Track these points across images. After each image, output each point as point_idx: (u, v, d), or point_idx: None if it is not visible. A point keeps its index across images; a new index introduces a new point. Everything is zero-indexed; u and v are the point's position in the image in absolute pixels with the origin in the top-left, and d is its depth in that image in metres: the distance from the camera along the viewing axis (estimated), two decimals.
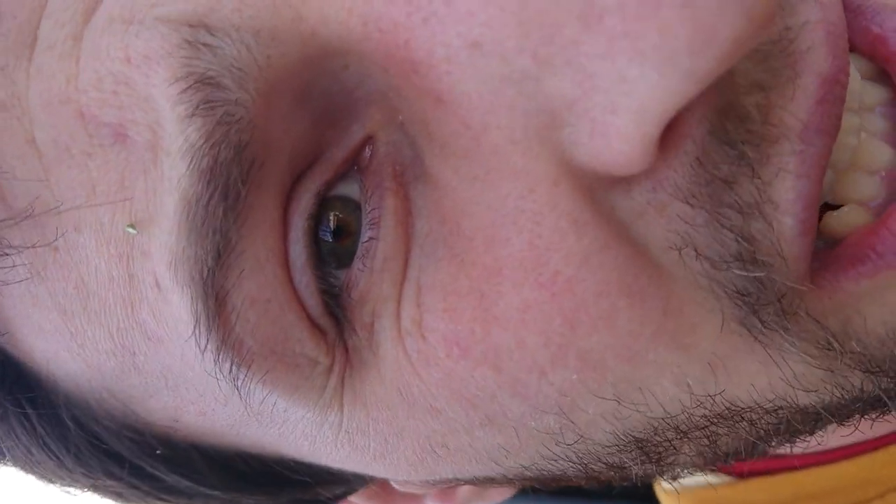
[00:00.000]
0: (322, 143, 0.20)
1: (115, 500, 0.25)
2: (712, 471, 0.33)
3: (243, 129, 0.17)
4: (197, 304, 0.18)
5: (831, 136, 0.18)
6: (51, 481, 0.25)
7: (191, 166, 0.17)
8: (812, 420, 0.22)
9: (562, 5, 0.15)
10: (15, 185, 0.19)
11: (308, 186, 0.19)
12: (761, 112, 0.17)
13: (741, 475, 0.32)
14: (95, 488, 0.24)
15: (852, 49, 0.20)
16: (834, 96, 0.18)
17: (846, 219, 0.20)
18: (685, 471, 0.26)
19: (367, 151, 0.20)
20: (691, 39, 0.14)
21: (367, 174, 0.20)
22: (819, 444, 0.26)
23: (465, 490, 0.29)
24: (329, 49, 0.18)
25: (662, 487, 0.38)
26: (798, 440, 0.23)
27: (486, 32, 0.16)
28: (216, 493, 0.24)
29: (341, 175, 0.20)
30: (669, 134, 0.16)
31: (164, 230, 0.18)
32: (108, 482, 0.24)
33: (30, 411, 0.23)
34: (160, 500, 0.24)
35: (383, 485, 0.29)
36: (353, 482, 0.28)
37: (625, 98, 0.15)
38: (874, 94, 0.20)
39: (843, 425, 0.23)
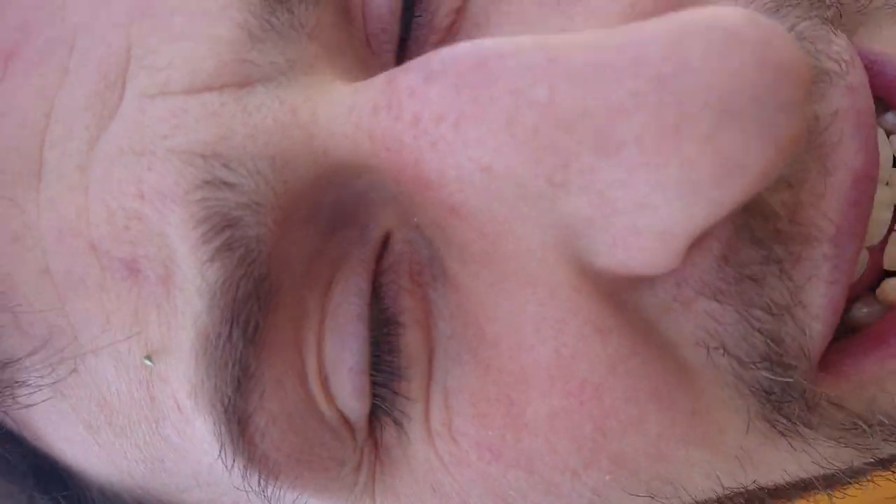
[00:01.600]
0: (336, 248, 0.19)
1: None
2: None
3: (262, 262, 0.17)
4: (220, 428, 0.18)
5: (862, 239, 0.17)
6: None
7: (210, 304, 0.17)
8: (837, 482, 0.22)
9: (575, 136, 0.14)
10: (32, 317, 0.19)
11: (330, 293, 0.19)
12: (789, 210, 0.17)
13: None
14: None
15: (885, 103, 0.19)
16: (867, 195, 0.17)
17: (870, 313, 0.20)
18: None
19: (383, 249, 0.19)
20: (716, 172, 0.14)
21: (385, 278, 0.19)
22: None
23: None
24: (341, 165, 0.17)
25: None
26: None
27: (498, 158, 0.15)
28: None
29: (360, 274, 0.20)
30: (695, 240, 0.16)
31: (181, 361, 0.18)
32: None
33: None
34: None
35: None
36: None
37: (647, 220, 0.15)
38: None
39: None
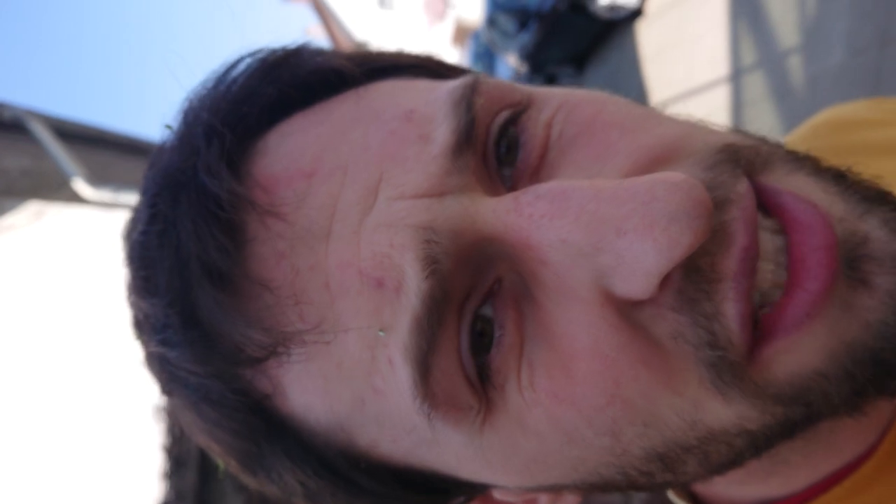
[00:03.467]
0: (476, 280, 0.32)
1: (325, 502, 0.37)
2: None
3: (445, 281, 0.30)
4: (415, 372, 0.31)
5: (750, 278, 0.30)
6: (288, 496, 0.37)
7: (421, 302, 0.30)
8: (762, 442, 0.33)
9: (607, 226, 0.28)
10: (311, 309, 0.31)
11: (469, 307, 0.32)
12: (709, 266, 0.30)
13: None
14: (312, 493, 0.37)
15: (769, 213, 0.31)
16: (750, 256, 0.30)
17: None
18: (694, 480, 0.36)
19: (497, 286, 0.32)
20: (668, 245, 0.27)
21: (497, 298, 0.32)
22: (796, 487, 0.38)
23: (543, 499, 0.40)
24: (486, 237, 0.31)
25: None
26: (760, 457, 0.34)
27: (569, 236, 0.29)
28: (391, 491, 0.36)
29: (484, 301, 0.32)
30: (663, 280, 0.29)
31: (400, 332, 0.30)
32: (324, 487, 0.36)
33: (286, 449, 0.35)
34: (354, 496, 0.37)
35: (488, 496, 0.41)
36: (473, 491, 0.40)
37: (640, 266, 0.28)
38: (778, 242, 0.31)
39: (783, 445, 0.33)
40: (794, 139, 0.63)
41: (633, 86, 6.18)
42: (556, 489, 0.37)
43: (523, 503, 0.40)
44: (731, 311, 0.29)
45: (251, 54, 0.37)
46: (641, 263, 0.28)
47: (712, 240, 0.29)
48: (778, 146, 0.35)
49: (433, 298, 0.30)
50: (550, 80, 9.07)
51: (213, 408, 0.34)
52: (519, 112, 0.34)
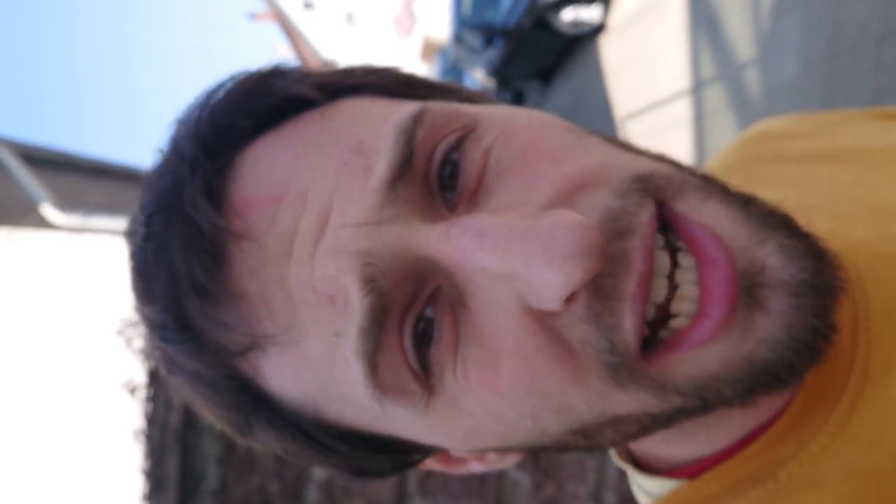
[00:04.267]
0: (416, 290, 0.37)
1: (303, 459, 0.44)
2: (674, 477, 0.47)
3: (384, 297, 0.35)
4: (366, 369, 0.36)
5: (642, 300, 0.34)
6: (272, 451, 0.44)
7: (364, 314, 0.35)
8: (665, 420, 0.38)
9: (516, 258, 0.33)
10: (280, 317, 0.36)
11: (412, 312, 0.37)
12: (612, 287, 0.34)
13: (693, 475, 0.45)
14: (292, 453, 0.43)
15: (674, 233, 0.36)
16: (644, 281, 0.34)
17: (678, 323, 0.36)
18: (613, 444, 0.42)
19: (437, 292, 0.37)
20: (566, 278, 0.32)
21: (437, 303, 0.37)
22: (721, 445, 0.43)
23: (491, 455, 0.46)
24: (421, 258, 0.36)
25: None
26: (669, 427, 0.39)
27: (489, 264, 0.34)
28: (359, 452, 0.43)
29: (424, 307, 0.37)
30: (571, 296, 0.33)
31: (350, 337, 0.35)
32: (302, 449, 0.42)
33: (268, 420, 0.41)
34: (328, 456, 0.43)
35: (445, 452, 0.47)
36: (429, 450, 0.46)
37: (546, 291, 0.33)
38: (689, 261, 0.36)
39: (686, 421, 0.38)
40: (728, 149, 0.68)
41: (598, 99, 6.31)
42: (497, 450, 0.44)
43: (475, 459, 0.47)
44: (628, 325, 0.34)
45: (228, 81, 0.41)
46: (546, 289, 0.33)
47: (615, 263, 0.34)
48: (693, 173, 0.39)
49: (374, 311, 0.35)
50: (518, 94, 9.19)
51: (206, 388, 0.40)
52: (462, 137, 0.38)
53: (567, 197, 0.36)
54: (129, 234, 0.42)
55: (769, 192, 0.48)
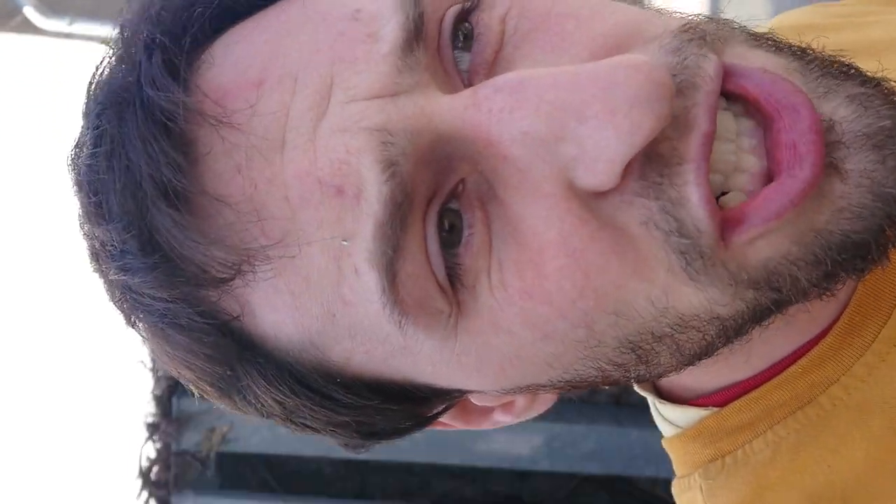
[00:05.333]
0: (438, 182, 0.32)
1: (304, 420, 0.37)
2: (702, 406, 0.43)
3: (406, 183, 0.30)
4: (383, 279, 0.30)
5: (707, 162, 0.29)
6: (268, 417, 0.38)
7: (383, 206, 0.29)
8: (735, 328, 0.33)
9: (568, 114, 0.28)
10: (273, 224, 0.31)
11: (433, 207, 0.31)
12: (669, 151, 0.29)
13: (724, 403, 0.41)
14: (291, 412, 0.37)
15: (731, 96, 0.31)
16: (708, 142, 0.29)
17: (732, 200, 0.31)
18: (667, 372, 0.37)
19: (460, 187, 0.32)
20: (630, 130, 0.27)
21: (462, 199, 0.32)
22: (757, 368, 0.40)
23: (520, 401, 0.41)
24: (445, 136, 0.30)
25: (667, 439, 0.48)
26: (732, 344, 0.34)
27: (531, 127, 0.28)
28: (369, 403, 0.36)
29: (448, 200, 0.32)
30: (626, 168, 0.28)
31: (364, 239, 0.30)
32: (302, 404, 0.36)
33: (260, 370, 0.35)
34: (333, 411, 0.37)
35: (464, 404, 0.41)
36: (451, 399, 0.40)
37: (603, 154, 0.27)
38: (745, 124, 0.31)
39: (753, 332, 0.34)
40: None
41: None
42: (531, 389, 0.38)
43: (500, 406, 0.41)
44: (694, 195, 0.29)
45: None
46: (604, 151, 0.27)
47: (673, 125, 0.29)
48: (735, 23, 0.34)
49: (394, 202, 0.29)
50: None
51: (181, 333, 0.34)
52: (470, 8, 0.33)
53: (608, 55, 0.30)
54: (72, 158, 0.35)
55: None
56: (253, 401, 0.36)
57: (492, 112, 0.29)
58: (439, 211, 0.31)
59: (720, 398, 0.41)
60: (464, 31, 0.33)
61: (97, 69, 0.34)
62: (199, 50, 0.33)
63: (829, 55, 0.32)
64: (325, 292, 0.32)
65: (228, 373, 0.35)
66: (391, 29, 0.31)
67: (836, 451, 0.38)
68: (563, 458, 1.53)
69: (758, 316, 0.33)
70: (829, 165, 0.29)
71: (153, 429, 1.20)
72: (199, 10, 0.33)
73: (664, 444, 0.48)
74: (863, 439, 0.37)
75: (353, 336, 0.33)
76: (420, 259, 0.31)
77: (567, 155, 0.28)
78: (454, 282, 0.32)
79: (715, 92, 0.30)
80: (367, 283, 0.30)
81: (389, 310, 0.31)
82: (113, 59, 0.34)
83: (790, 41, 0.33)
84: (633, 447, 1.57)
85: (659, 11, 0.34)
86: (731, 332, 0.33)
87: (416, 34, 0.31)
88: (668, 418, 0.46)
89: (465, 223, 0.32)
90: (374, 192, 0.29)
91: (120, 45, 0.33)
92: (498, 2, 0.33)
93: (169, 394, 1.19)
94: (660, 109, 0.27)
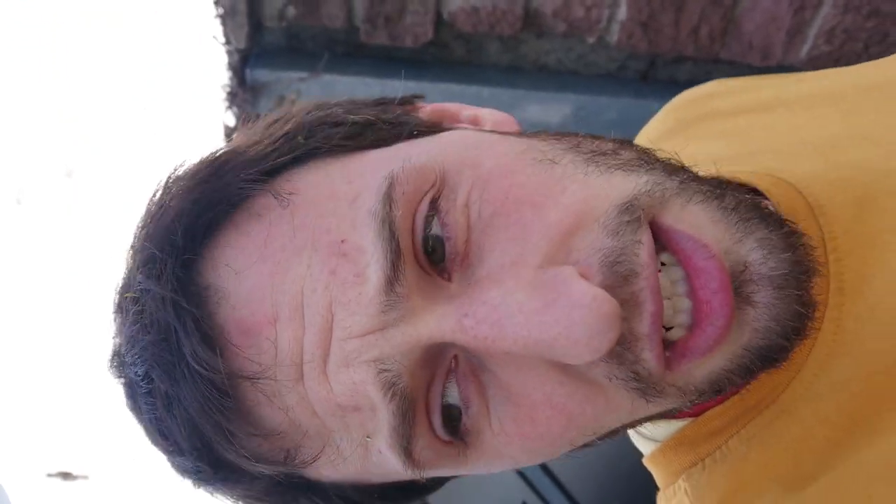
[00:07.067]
0: (434, 368, 0.38)
1: None
2: (677, 419, 0.49)
3: (407, 394, 0.36)
4: (402, 457, 0.38)
5: (659, 334, 0.36)
6: None
7: (393, 416, 0.36)
8: (680, 408, 0.42)
9: (539, 344, 0.34)
10: (307, 441, 0.39)
11: (435, 392, 0.38)
12: (628, 331, 0.35)
13: (697, 415, 0.47)
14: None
15: (665, 248, 0.37)
16: (657, 317, 0.36)
17: (674, 335, 0.37)
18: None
19: (453, 363, 0.38)
20: (592, 352, 0.34)
21: (458, 375, 0.39)
22: None
23: None
24: (436, 345, 0.37)
25: (648, 457, 0.54)
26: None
27: (511, 349, 0.35)
28: (395, 497, 0.48)
29: (447, 378, 0.38)
30: None
31: (383, 436, 0.37)
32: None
33: (318, 499, 0.44)
34: None
35: None
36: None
37: (575, 361, 0.34)
38: (677, 274, 0.37)
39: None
40: (656, 121, 0.69)
41: None
42: None
43: None
44: (648, 357, 0.36)
45: (176, 181, 0.40)
46: (573, 360, 0.34)
47: (625, 307, 0.35)
48: (666, 168, 0.40)
49: (401, 411, 0.37)
50: None
51: (248, 491, 0.43)
52: (436, 198, 0.38)
53: (562, 246, 0.36)
54: (131, 398, 0.41)
55: (707, 146, 0.54)
56: None
57: (476, 338, 0.35)
58: (440, 405, 0.39)
59: (695, 410, 0.47)
60: (433, 242, 0.37)
61: (126, 286, 0.40)
62: (200, 257, 0.38)
63: (741, 196, 0.38)
64: (357, 461, 0.40)
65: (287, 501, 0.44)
66: (374, 270, 0.35)
67: (800, 436, 0.43)
68: (588, 126, 1.69)
69: (703, 400, 0.41)
70: (743, 298, 0.36)
71: (232, 97, 1.34)
72: (199, 240, 0.38)
73: (646, 462, 0.55)
74: (821, 425, 0.42)
75: (383, 476, 0.42)
76: (429, 437, 0.39)
77: (551, 354, 0.35)
78: (463, 437, 0.39)
79: (653, 274, 0.36)
80: (389, 458, 0.39)
81: (410, 469, 0.39)
82: (138, 285, 0.38)
83: (709, 178, 0.40)
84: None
85: (605, 182, 0.38)
86: (680, 409, 0.42)
87: (394, 273, 0.35)
88: (647, 435, 0.53)
89: (462, 399, 0.39)
90: (383, 407, 0.36)
91: (139, 286, 0.38)
92: (459, 183, 0.38)
93: (242, 64, 1.32)
94: (613, 335, 0.33)
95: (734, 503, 0.45)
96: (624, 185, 0.38)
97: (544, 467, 1.59)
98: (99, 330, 0.41)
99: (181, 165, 0.41)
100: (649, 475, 0.54)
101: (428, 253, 0.37)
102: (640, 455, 0.55)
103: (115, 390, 0.42)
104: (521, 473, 1.63)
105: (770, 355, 0.37)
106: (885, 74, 0.55)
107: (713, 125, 0.61)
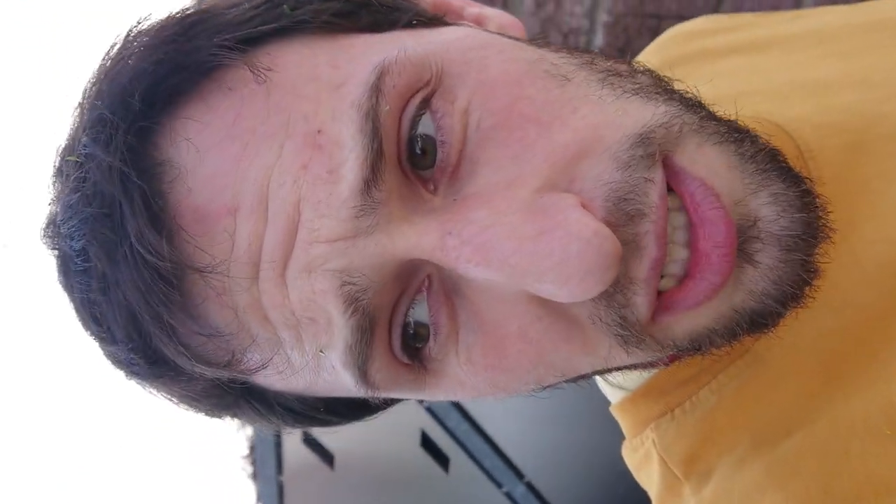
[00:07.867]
0: (405, 284, 0.35)
1: (281, 424, 0.44)
2: (652, 366, 0.45)
3: (369, 310, 0.33)
4: (356, 376, 0.35)
5: (657, 280, 0.33)
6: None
7: (350, 331, 0.33)
8: (655, 363, 0.41)
9: (526, 275, 0.31)
10: (264, 343, 0.35)
11: (400, 309, 0.35)
12: (623, 271, 0.32)
13: (668, 364, 0.45)
14: (271, 423, 0.43)
15: (671, 190, 0.33)
16: (659, 265, 0.32)
17: (664, 285, 0.34)
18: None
19: (426, 282, 0.35)
20: (584, 292, 0.30)
21: (430, 294, 0.35)
22: None
23: None
24: (410, 260, 0.33)
25: (615, 404, 0.51)
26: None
27: (495, 277, 0.31)
28: (341, 415, 0.45)
29: (415, 298, 0.35)
30: None
31: (337, 352, 0.34)
32: (284, 421, 0.43)
33: (252, 406, 0.41)
34: (307, 423, 0.44)
35: None
36: None
37: (563, 299, 0.31)
38: (679, 220, 0.34)
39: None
40: (646, 53, 0.65)
41: None
42: None
43: None
44: (640, 303, 0.33)
45: (138, 36, 0.35)
46: (563, 297, 0.31)
47: (625, 248, 0.32)
48: (685, 103, 0.36)
49: (361, 328, 0.33)
50: None
51: (183, 390, 0.39)
52: (429, 96, 0.34)
53: (565, 172, 0.33)
54: (63, 274, 0.36)
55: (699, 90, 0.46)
56: (242, 418, 0.44)
57: (459, 259, 0.32)
58: (403, 324, 0.35)
59: (669, 359, 0.43)
60: (423, 142, 0.33)
61: (67, 146, 0.36)
62: (160, 126, 0.33)
63: (762, 143, 0.35)
64: (306, 375, 0.36)
65: (223, 407, 0.41)
66: (350, 169, 0.31)
67: (774, 388, 0.41)
68: None
69: (679, 356, 0.39)
70: (746, 255, 0.33)
71: None
72: (160, 106, 0.33)
73: (613, 410, 0.52)
74: (797, 377, 0.41)
75: (333, 390, 0.39)
76: (387, 358, 0.36)
77: (529, 285, 0.31)
78: (423, 362, 0.36)
79: (662, 218, 0.32)
80: (342, 375, 0.36)
81: (363, 388, 0.36)
82: (76, 156, 0.34)
83: (729, 122, 0.35)
84: None
85: (621, 107, 0.34)
86: (655, 363, 0.41)
87: (373, 175, 0.31)
88: (615, 383, 0.51)
89: (431, 322, 0.35)
90: (341, 323, 0.33)
91: (84, 146, 0.33)
92: (459, 86, 0.34)
93: None
94: (609, 276, 0.30)
95: (703, 456, 0.43)
96: (640, 113, 0.34)
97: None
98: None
99: (146, 18, 0.35)
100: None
101: (414, 156, 0.34)
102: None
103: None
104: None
105: (760, 320, 0.34)
106: (889, 12, 0.52)
107: (701, 66, 0.58)
